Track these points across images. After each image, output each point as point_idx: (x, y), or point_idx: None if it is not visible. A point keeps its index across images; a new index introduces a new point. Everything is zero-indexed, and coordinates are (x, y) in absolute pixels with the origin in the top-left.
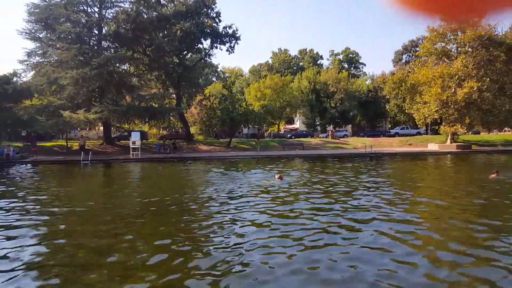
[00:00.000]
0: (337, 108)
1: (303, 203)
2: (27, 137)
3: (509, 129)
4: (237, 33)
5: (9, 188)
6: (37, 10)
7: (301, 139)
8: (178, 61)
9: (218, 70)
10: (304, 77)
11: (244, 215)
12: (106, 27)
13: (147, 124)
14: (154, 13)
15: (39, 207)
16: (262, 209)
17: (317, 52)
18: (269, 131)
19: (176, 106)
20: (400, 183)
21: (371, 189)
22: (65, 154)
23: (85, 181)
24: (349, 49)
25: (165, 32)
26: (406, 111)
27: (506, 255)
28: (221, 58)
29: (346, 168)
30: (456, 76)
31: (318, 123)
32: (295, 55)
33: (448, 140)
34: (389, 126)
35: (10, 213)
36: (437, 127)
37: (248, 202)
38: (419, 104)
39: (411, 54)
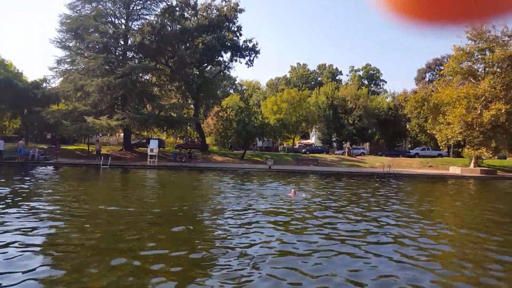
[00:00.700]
0: (355, 125)
1: (316, 220)
2: (52, 139)
3: None
4: (257, 47)
5: (32, 188)
6: (68, 21)
7: (316, 154)
8: (198, 72)
9: (236, 82)
10: (322, 92)
11: (254, 229)
12: (131, 38)
13: (165, 132)
14: (178, 26)
15: (57, 207)
16: (273, 224)
17: (336, 68)
18: (284, 145)
19: (193, 116)
20: (417, 205)
21: (386, 210)
22: (86, 158)
23: (104, 184)
24: (370, 65)
25: (187, 45)
26: (428, 131)
27: None
28: (239, 71)
29: (362, 187)
30: (483, 97)
31: (334, 139)
32: (314, 70)
33: (472, 164)
34: (409, 146)
35: (31, 212)
36: (460, 149)
37: (259, 216)
38: (442, 125)
39: (435, 73)
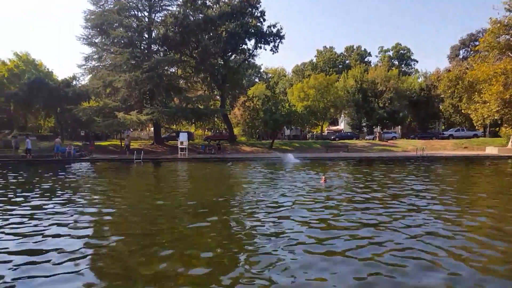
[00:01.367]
0: (386, 108)
1: (347, 207)
2: (86, 136)
3: None
4: (281, 32)
5: (72, 184)
6: (93, 17)
7: (346, 141)
8: (222, 62)
9: (261, 70)
10: (350, 76)
11: (286, 217)
12: (155, 31)
13: (193, 125)
14: (200, 15)
15: (99, 200)
16: (305, 211)
17: (364, 49)
18: (315, 132)
19: (220, 107)
20: (456, 188)
21: (420, 197)
22: (119, 153)
23: (140, 178)
24: (400, 44)
25: (211, 34)
26: (463, 111)
27: None
28: (264, 58)
29: (395, 172)
30: None
31: (364, 124)
32: (341, 53)
33: (510, 143)
34: (443, 127)
35: (73, 205)
36: (497, 129)
37: (291, 204)
38: (478, 104)
39: (469, 49)
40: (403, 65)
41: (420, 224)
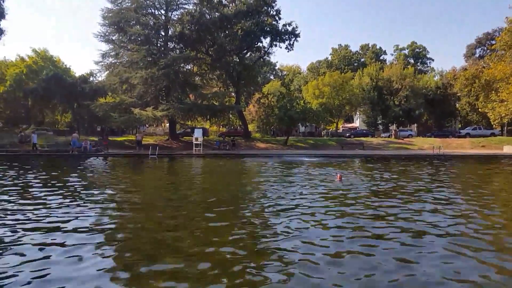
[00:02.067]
0: (402, 106)
1: (363, 206)
2: (102, 132)
3: None
4: (296, 30)
5: (89, 178)
6: (110, 14)
7: (361, 138)
8: (238, 60)
9: (276, 68)
10: (365, 74)
11: (301, 215)
12: (172, 29)
13: (208, 121)
14: (216, 13)
15: (117, 195)
16: (320, 209)
17: (380, 47)
18: (330, 129)
19: (235, 104)
20: (476, 187)
21: (438, 198)
22: (134, 148)
23: (154, 173)
24: (416, 43)
25: (227, 32)
26: (480, 110)
27: None
28: (279, 56)
29: (412, 171)
30: None
31: (379, 122)
32: (356, 51)
33: None
34: (459, 126)
35: (94, 197)
36: None
37: (305, 202)
38: (495, 103)
39: (485, 48)
40: (418, 64)
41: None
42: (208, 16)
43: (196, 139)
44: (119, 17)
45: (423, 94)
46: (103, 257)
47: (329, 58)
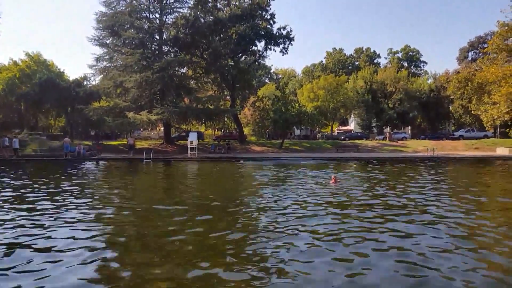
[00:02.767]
0: (396, 108)
1: (357, 209)
2: (96, 136)
3: None
4: (291, 34)
5: (82, 182)
6: (104, 18)
7: (356, 141)
8: (233, 63)
9: (271, 71)
10: (360, 77)
11: (295, 218)
12: (166, 32)
13: (203, 125)
14: (211, 17)
15: (100, 200)
16: (313, 213)
17: (374, 51)
18: (325, 132)
19: (230, 107)
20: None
21: (431, 199)
22: (128, 152)
23: (148, 177)
24: (409, 46)
25: (221, 36)
26: (473, 112)
27: None
28: (274, 59)
29: (407, 173)
30: None
31: (374, 124)
32: (351, 54)
33: None
34: (453, 128)
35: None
36: (507, 129)
37: (299, 205)
38: (487, 105)
39: (478, 51)
40: (412, 67)
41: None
42: (202, 20)
43: (191, 142)
44: (113, 20)
45: (417, 97)
46: (85, 264)
47: (324, 61)
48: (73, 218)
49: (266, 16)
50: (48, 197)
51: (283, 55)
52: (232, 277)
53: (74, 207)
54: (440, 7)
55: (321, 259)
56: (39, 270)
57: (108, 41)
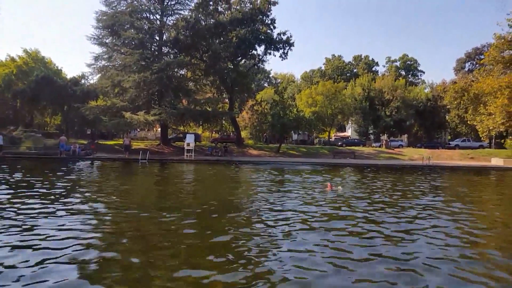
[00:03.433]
0: (393, 116)
1: (353, 216)
2: (92, 135)
3: None
4: (291, 40)
5: (76, 182)
6: (104, 17)
7: (353, 147)
8: (232, 66)
9: (270, 76)
10: (357, 84)
11: (288, 224)
12: (166, 34)
13: (201, 127)
14: (212, 20)
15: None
16: (307, 218)
17: (372, 59)
18: (322, 137)
19: (228, 110)
20: (468, 199)
21: (427, 210)
22: (123, 152)
23: (143, 179)
24: (407, 55)
25: (222, 39)
26: (468, 122)
27: None
28: (273, 64)
29: (402, 180)
30: None
31: (371, 131)
32: (349, 62)
33: None
34: (449, 137)
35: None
36: (502, 140)
37: (294, 211)
38: (483, 116)
39: (474, 62)
40: (409, 76)
41: None
42: (203, 23)
43: (188, 144)
44: (113, 20)
45: (414, 106)
46: (74, 264)
47: (323, 67)
48: (60, 220)
49: (266, 21)
50: (23, 199)
51: (282, 60)
52: (226, 279)
53: (62, 207)
54: (438, 18)
55: (313, 261)
56: (30, 272)
57: (107, 41)
